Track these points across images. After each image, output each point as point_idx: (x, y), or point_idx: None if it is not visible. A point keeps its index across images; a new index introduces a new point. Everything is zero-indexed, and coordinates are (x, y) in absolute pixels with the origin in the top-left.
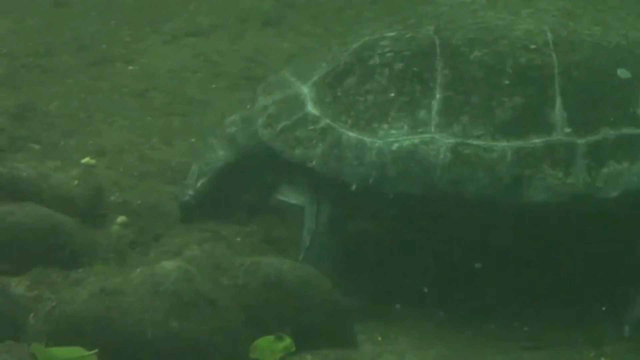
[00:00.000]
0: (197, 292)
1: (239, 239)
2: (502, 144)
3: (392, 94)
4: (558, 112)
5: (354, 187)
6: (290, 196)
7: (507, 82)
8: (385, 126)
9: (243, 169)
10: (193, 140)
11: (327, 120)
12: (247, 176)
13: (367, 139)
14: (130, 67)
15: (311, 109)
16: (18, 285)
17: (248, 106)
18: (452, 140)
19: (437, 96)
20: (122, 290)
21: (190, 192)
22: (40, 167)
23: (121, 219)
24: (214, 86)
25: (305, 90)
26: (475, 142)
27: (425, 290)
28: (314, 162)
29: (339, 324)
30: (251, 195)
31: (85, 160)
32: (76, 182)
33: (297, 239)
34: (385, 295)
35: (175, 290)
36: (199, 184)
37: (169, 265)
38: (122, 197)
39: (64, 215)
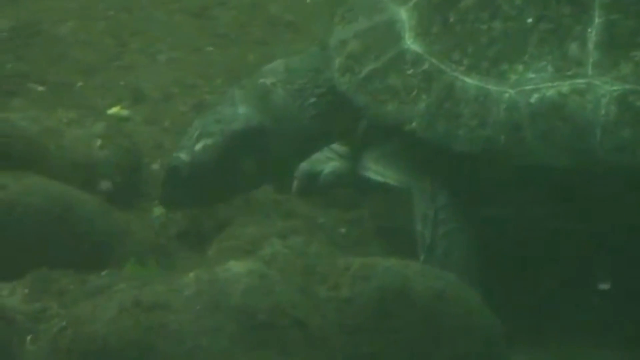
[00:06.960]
0: (278, 309)
1: (343, 230)
2: None
3: (530, 19)
4: None
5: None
6: (382, 172)
7: None
8: (520, 68)
9: (270, 139)
10: None
11: (434, 60)
12: (276, 150)
13: (493, 88)
14: None
15: (411, 43)
16: (11, 295)
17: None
18: (618, 88)
19: (596, 21)
20: (167, 305)
21: (184, 155)
22: (47, 120)
23: None
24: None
25: (403, 15)
26: None
27: (600, 305)
28: (413, 124)
29: (492, 355)
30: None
31: (115, 110)
32: (100, 142)
33: (406, 229)
34: (546, 312)
35: (246, 306)
36: (198, 146)
37: (237, 267)
38: None
39: (82, 191)
